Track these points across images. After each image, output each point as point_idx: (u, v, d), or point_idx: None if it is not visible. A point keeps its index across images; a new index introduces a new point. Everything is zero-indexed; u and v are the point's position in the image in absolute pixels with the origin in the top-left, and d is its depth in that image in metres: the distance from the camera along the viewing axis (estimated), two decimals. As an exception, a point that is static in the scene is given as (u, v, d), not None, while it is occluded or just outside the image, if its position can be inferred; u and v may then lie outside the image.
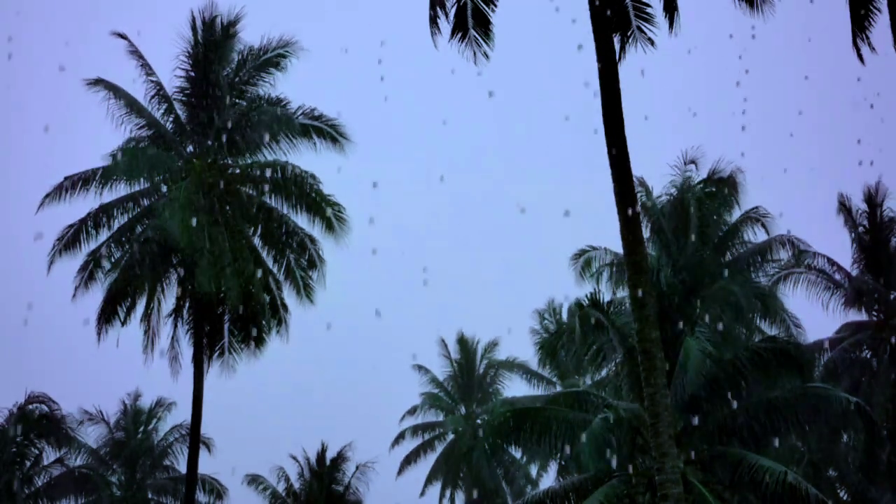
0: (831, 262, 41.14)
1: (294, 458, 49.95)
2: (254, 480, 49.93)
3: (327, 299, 37.60)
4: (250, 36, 37.28)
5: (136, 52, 36.44)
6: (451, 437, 62.26)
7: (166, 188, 35.46)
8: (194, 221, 34.21)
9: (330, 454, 49.49)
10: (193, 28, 36.76)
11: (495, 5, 24.25)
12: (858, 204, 41.56)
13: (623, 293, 35.78)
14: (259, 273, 35.87)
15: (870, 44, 21.46)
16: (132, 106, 36.28)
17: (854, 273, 41.30)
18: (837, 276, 41.11)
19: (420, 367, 63.42)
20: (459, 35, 24.19)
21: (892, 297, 41.30)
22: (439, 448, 62.47)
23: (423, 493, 61.80)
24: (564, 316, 55.40)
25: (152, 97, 36.83)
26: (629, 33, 23.90)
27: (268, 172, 36.29)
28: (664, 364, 23.24)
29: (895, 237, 41.71)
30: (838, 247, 41.60)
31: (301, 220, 36.74)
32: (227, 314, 36.48)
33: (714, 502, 26.82)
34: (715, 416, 29.08)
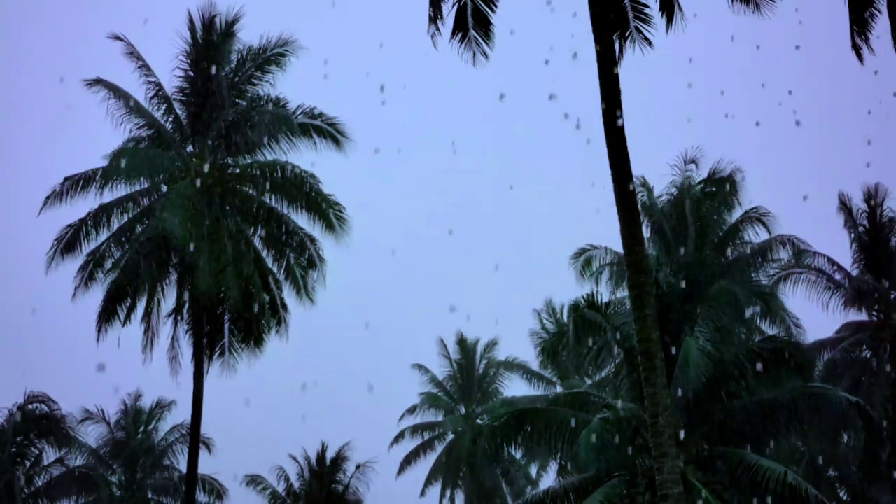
0: (831, 261, 41.14)
1: (294, 458, 49.96)
2: (253, 481, 49.89)
3: (327, 299, 37.63)
4: (250, 35, 37.32)
5: (134, 54, 36.44)
6: (450, 437, 62.28)
7: (166, 188, 35.46)
8: (194, 221, 34.21)
9: (329, 454, 49.49)
10: (192, 28, 36.75)
11: (495, 5, 24.26)
12: (858, 204, 41.60)
13: (623, 293, 35.80)
14: (259, 273, 35.87)
15: (869, 45, 21.49)
16: (132, 106, 36.28)
17: (854, 273, 41.30)
18: (837, 276, 41.11)
19: (420, 367, 63.45)
20: (460, 35, 24.19)
21: (892, 296, 41.29)
22: (439, 448, 62.50)
23: (423, 493, 61.85)
24: (564, 316, 55.42)
25: (152, 97, 36.85)
26: (627, 34, 23.97)
27: (268, 172, 36.28)
28: (664, 364, 23.23)
29: (895, 237, 41.71)
30: (838, 247, 41.65)
31: (301, 220, 36.76)
32: (227, 314, 36.48)
33: (714, 502, 26.82)
34: (715, 416, 29.08)
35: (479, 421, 60.59)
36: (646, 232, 34.00)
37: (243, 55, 37.11)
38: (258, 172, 36.49)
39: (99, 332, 36.03)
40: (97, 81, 36.09)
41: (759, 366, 28.71)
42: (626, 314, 30.46)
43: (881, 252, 41.28)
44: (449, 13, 24.25)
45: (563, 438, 29.59)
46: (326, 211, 36.29)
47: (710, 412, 29.05)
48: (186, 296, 36.36)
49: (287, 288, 36.91)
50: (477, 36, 24.18)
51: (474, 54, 24.24)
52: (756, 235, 37.69)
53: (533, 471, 59.61)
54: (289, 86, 37.23)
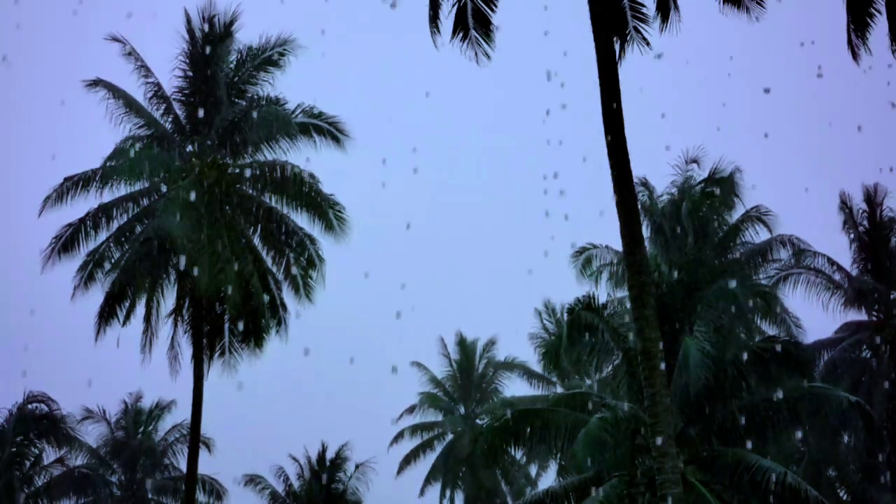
0: (831, 261, 41.13)
1: (294, 458, 49.97)
2: (252, 480, 49.88)
3: (327, 299, 37.61)
4: (250, 35, 37.30)
5: (132, 54, 36.42)
6: (450, 436, 62.26)
7: (166, 188, 35.44)
8: (194, 221, 34.19)
9: (329, 454, 49.49)
10: (190, 28, 36.72)
11: (495, 5, 24.28)
12: (859, 204, 41.61)
13: (623, 292, 35.82)
14: (259, 273, 35.86)
15: (866, 45, 21.52)
16: (131, 106, 36.26)
17: (854, 273, 41.30)
18: (837, 277, 41.10)
19: (418, 365, 63.43)
20: (461, 35, 24.21)
21: (892, 296, 41.29)
22: (438, 448, 62.48)
23: (422, 493, 61.83)
24: (564, 316, 55.33)
25: (151, 97, 36.82)
26: (626, 33, 24.02)
27: (267, 172, 36.26)
28: (664, 364, 23.23)
29: (895, 237, 41.71)
30: (838, 247, 41.65)
31: (301, 220, 36.72)
32: (227, 314, 36.45)
33: (714, 502, 26.83)
34: (715, 416, 29.08)
35: (478, 421, 60.61)
36: (646, 232, 34.05)
37: (243, 55, 37.10)
38: (258, 172, 36.46)
39: (98, 332, 36.02)
40: (97, 82, 36.07)
41: (759, 365, 28.71)
42: (625, 314, 30.50)
43: (881, 252, 41.28)
44: (449, 13, 24.30)
45: (563, 439, 29.60)
46: (326, 211, 36.26)
47: (710, 412, 29.05)
48: (186, 296, 36.34)
49: (286, 288, 36.89)
50: (478, 36, 24.20)
51: (476, 54, 24.29)
52: (757, 235, 37.74)
53: (533, 471, 59.62)
54: (296, 85, 37.27)
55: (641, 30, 24.13)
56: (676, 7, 23.84)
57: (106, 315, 36.07)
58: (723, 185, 36.55)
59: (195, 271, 34.46)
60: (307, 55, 37.02)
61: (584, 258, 37.52)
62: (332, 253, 36.94)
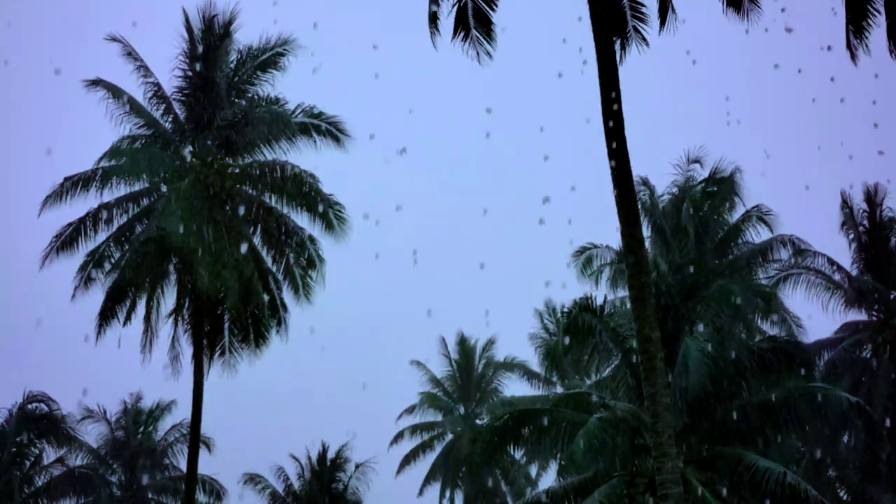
0: (831, 261, 41.11)
1: (295, 457, 49.98)
2: (252, 479, 49.89)
3: (327, 299, 37.62)
4: (249, 34, 37.29)
5: (132, 55, 36.42)
6: (450, 436, 62.26)
7: (166, 188, 35.44)
8: (194, 221, 34.19)
9: (329, 454, 49.49)
10: (189, 28, 36.71)
11: (496, 5, 24.30)
12: (859, 204, 41.60)
13: (623, 292, 35.81)
14: (259, 273, 35.86)
15: (866, 45, 21.52)
16: (131, 106, 36.26)
17: (854, 273, 41.29)
18: (837, 277, 41.08)
19: (418, 364, 63.44)
20: (462, 35, 24.23)
21: (892, 296, 41.29)
22: (438, 448, 62.48)
23: (421, 493, 61.84)
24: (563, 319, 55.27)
25: (150, 98, 36.82)
26: (626, 33, 24.06)
27: (267, 172, 36.26)
28: (664, 364, 23.24)
29: (895, 237, 41.70)
30: (838, 247, 41.63)
31: (301, 220, 36.73)
32: (227, 314, 36.46)
33: (714, 502, 26.82)
34: (715, 416, 29.07)
35: (478, 421, 60.61)
36: (646, 232, 34.02)
37: (243, 55, 37.10)
38: (258, 172, 36.46)
39: (99, 332, 36.04)
40: (97, 82, 36.07)
41: (759, 366, 28.70)
42: (623, 315, 30.47)
43: (881, 252, 41.28)
44: (449, 13, 24.31)
45: (563, 439, 29.58)
46: (326, 211, 36.26)
47: (710, 412, 29.04)
48: (186, 296, 36.35)
49: (286, 287, 36.89)
50: (479, 35, 24.22)
51: (478, 53, 24.32)
52: (758, 234, 37.68)
53: (533, 471, 59.58)
54: (298, 85, 37.27)
55: (641, 30, 24.19)
56: (674, 10, 23.89)
57: (106, 315, 36.09)
58: (723, 185, 36.52)
59: (195, 271, 34.47)
60: (303, 55, 37.05)
61: (585, 258, 37.48)
62: (332, 253, 36.99)
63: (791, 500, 27.05)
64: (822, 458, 39.81)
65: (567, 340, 31.04)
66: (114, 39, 36.28)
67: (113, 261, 36.09)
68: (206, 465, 45.55)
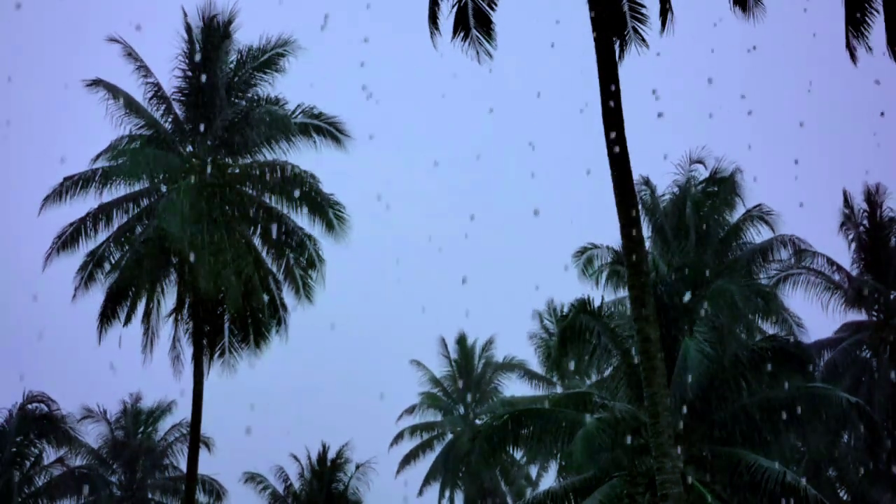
0: (831, 262, 41.11)
1: (295, 457, 49.99)
2: (252, 478, 49.88)
3: (327, 299, 37.62)
4: (250, 34, 37.29)
5: (132, 55, 36.41)
6: (450, 436, 62.25)
7: (166, 188, 35.45)
8: (194, 221, 34.19)
9: (329, 454, 49.51)
10: (189, 28, 36.71)
11: (495, 5, 24.33)
12: (859, 203, 41.60)
13: (624, 292, 35.80)
14: (259, 273, 35.87)
15: (867, 45, 21.52)
16: (131, 106, 36.27)
17: (854, 273, 41.29)
18: (837, 277, 41.09)
19: (418, 363, 63.42)
20: (462, 35, 24.25)
21: (892, 296, 41.29)
22: (438, 448, 62.47)
23: (420, 493, 61.83)
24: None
25: (151, 98, 36.82)
26: (625, 34, 24.09)
27: (267, 172, 36.26)
28: (664, 364, 23.24)
29: (895, 237, 41.70)
30: (838, 247, 41.63)
31: (301, 220, 36.74)
32: (227, 314, 36.47)
33: (714, 502, 26.82)
34: (715, 416, 29.07)
35: (477, 421, 60.58)
36: (646, 231, 34.03)
37: (243, 55, 37.10)
38: (258, 172, 36.46)
39: (100, 332, 36.04)
40: (97, 82, 36.07)
41: (758, 366, 28.71)
42: (622, 315, 30.46)
43: (881, 252, 41.27)
44: (449, 14, 24.34)
45: (562, 439, 29.58)
46: (326, 211, 36.27)
47: (710, 412, 29.05)
48: (186, 296, 36.35)
49: (286, 287, 36.90)
50: (479, 35, 24.24)
51: (478, 53, 24.34)
52: (759, 234, 37.68)
53: (533, 471, 59.59)
54: (298, 85, 37.25)
55: (640, 30, 24.23)
56: (672, 11, 23.92)
57: (107, 315, 36.09)
58: (724, 185, 36.51)
59: (195, 271, 34.48)
60: (305, 55, 37.06)
61: (586, 258, 37.47)
62: (334, 253, 36.99)
63: (791, 499, 27.05)
64: (822, 458, 39.81)
65: (562, 346, 31.05)
66: (114, 41, 36.31)
67: (113, 261, 36.11)
68: (206, 464, 45.59)
